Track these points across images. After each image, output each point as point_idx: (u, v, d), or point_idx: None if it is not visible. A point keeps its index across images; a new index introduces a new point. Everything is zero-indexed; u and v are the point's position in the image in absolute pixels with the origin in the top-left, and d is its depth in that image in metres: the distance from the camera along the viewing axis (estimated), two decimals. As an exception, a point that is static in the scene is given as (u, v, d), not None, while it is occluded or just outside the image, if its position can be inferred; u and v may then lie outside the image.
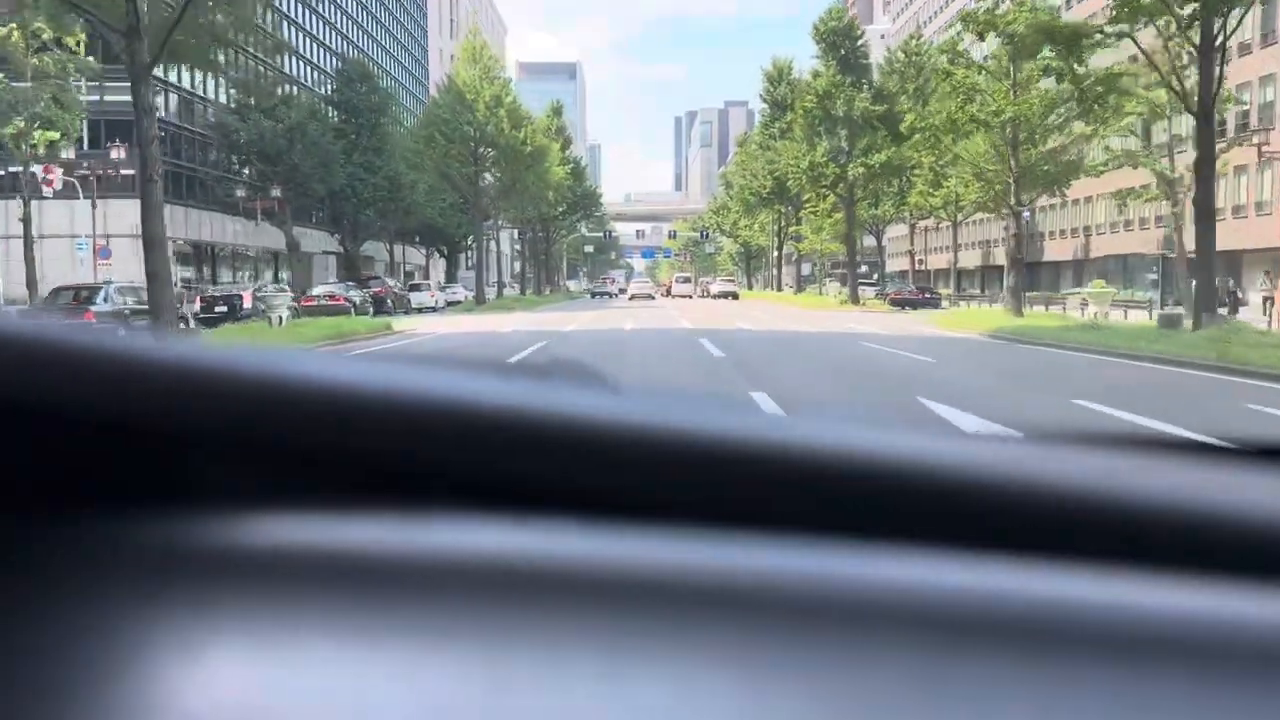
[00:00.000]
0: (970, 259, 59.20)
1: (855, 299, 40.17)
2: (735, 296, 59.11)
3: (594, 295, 69.48)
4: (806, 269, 65.58)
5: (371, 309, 34.71)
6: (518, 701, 0.32)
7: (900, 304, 39.50)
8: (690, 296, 63.05)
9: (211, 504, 0.41)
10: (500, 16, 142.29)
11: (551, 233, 69.74)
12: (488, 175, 42.40)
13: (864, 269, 66.95)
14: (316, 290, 33.71)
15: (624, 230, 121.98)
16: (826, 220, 46.24)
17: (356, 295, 34.22)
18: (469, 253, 57.40)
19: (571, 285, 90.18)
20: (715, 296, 59.50)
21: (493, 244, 60.64)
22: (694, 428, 0.39)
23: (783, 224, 64.82)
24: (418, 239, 62.07)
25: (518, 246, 66.36)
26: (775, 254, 67.41)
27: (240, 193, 39.24)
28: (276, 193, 38.80)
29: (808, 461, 0.38)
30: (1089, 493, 0.37)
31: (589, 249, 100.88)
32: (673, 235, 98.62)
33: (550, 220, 64.71)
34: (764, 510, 0.38)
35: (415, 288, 42.06)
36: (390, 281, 40.95)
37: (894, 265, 66.73)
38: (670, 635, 0.34)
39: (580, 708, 0.31)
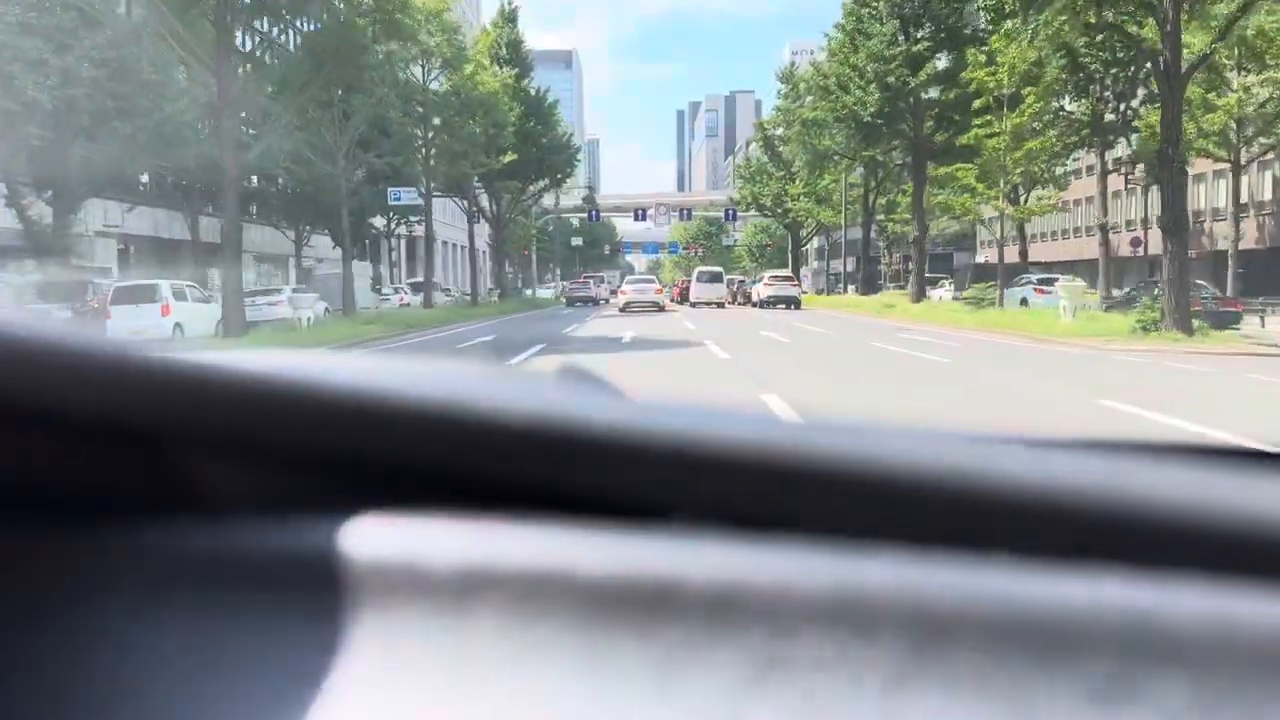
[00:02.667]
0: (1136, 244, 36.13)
1: (1188, 324, 15.46)
2: (797, 304, 34.88)
3: (571, 303, 43.96)
4: (829, 264, 41.43)
5: None
6: (518, 708, 0.32)
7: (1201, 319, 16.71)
8: (723, 304, 38.08)
9: (216, 509, 0.41)
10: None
11: (502, 204, 44.82)
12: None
13: (967, 260, 42.44)
14: None
15: (623, 226, 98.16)
16: (1043, 142, 21.67)
17: None
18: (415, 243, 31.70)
19: (566, 286, 64.20)
20: (764, 304, 35.12)
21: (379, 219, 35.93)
22: (697, 431, 0.39)
23: (871, 184, 40.06)
24: (281, 220, 37.02)
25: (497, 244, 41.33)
26: (861, 236, 42.41)
27: None
28: None
29: (810, 466, 0.38)
30: (1090, 496, 0.37)
31: (578, 242, 76.39)
32: (685, 216, 73.67)
33: (494, 179, 39.64)
34: (767, 515, 0.38)
35: (126, 295, 17.77)
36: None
37: (994, 254, 41.16)
38: (670, 641, 0.34)
39: (578, 713, 0.32)
